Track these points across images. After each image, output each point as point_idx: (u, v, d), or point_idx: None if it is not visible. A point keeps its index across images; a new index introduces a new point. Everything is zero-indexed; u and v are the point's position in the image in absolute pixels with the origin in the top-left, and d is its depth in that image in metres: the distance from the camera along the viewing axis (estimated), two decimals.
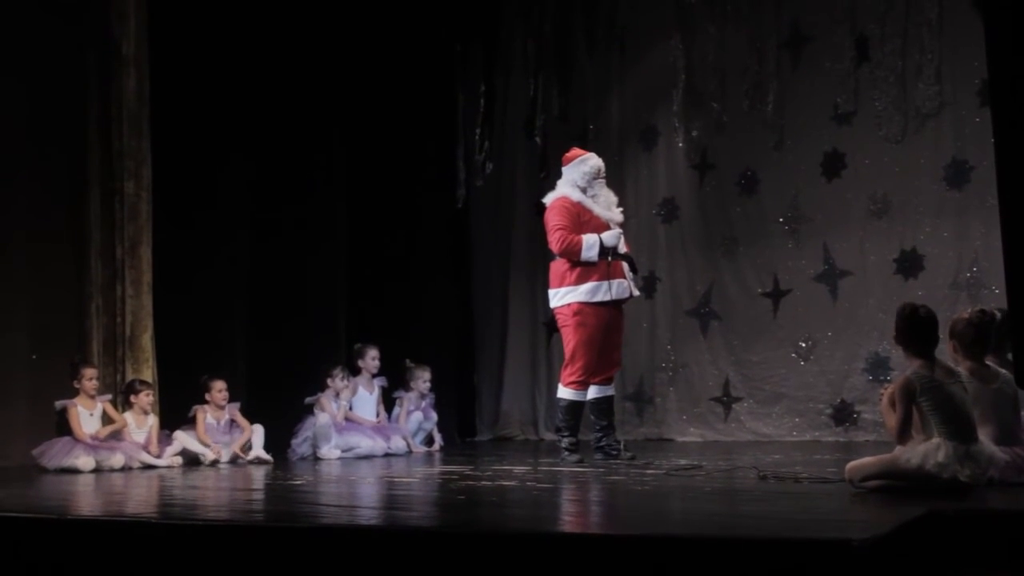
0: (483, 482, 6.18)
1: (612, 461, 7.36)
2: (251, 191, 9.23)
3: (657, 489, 5.63)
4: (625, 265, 7.58)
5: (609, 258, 7.43)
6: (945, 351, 5.49)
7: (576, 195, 7.58)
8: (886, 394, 5.19)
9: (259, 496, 6.01)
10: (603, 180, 7.72)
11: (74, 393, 7.80)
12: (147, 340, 8.37)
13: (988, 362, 5.34)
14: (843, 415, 9.47)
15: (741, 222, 10.12)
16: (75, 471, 7.34)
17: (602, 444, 7.59)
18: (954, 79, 9.23)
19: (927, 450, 4.87)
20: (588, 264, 7.43)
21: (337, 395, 8.79)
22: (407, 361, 9.37)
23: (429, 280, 10.45)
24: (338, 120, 9.91)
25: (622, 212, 7.78)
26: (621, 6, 10.69)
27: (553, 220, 7.51)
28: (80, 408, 7.76)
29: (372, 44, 10.08)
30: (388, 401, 9.31)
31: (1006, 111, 3.69)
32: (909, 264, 9.39)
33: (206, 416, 8.26)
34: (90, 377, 7.86)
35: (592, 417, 7.64)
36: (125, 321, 8.32)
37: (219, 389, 8.37)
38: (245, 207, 9.19)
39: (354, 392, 8.99)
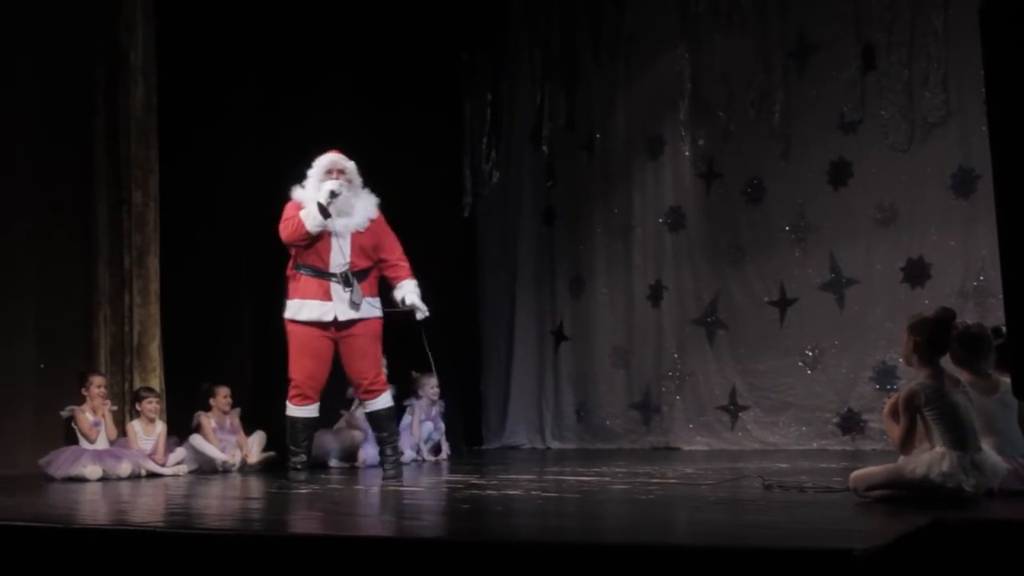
0: (489, 491, 6.19)
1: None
2: (258, 200, 9.24)
3: (662, 498, 5.63)
4: (335, 285, 7.27)
5: (330, 204, 7.11)
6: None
7: (300, 195, 7.32)
8: (888, 404, 5.18)
9: (264, 505, 6.02)
10: (336, 180, 7.30)
11: (81, 402, 7.84)
12: (155, 349, 8.40)
13: (990, 372, 5.34)
14: (850, 424, 9.46)
15: (747, 231, 10.12)
16: (82, 480, 7.37)
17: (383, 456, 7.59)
18: (960, 88, 9.22)
19: (932, 459, 4.86)
20: (305, 276, 7.25)
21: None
22: (412, 373, 9.38)
23: (435, 289, 10.43)
24: (345, 129, 9.92)
25: (362, 220, 7.40)
26: (627, 15, 10.71)
27: (283, 216, 7.31)
28: (87, 414, 7.80)
29: (379, 53, 10.10)
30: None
31: (1003, 121, 3.70)
32: (916, 273, 9.38)
33: (210, 421, 8.30)
34: (98, 385, 7.89)
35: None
36: (133, 330, 8.36)
37: (224, 395, 8.42)
38: (252, 216, 9.20)
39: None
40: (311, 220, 7.15)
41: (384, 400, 7.46)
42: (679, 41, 10.42)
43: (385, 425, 7.53)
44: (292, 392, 7.36)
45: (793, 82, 9.95)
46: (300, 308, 7.28)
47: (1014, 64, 3.65)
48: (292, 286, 7.34)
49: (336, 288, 7.27)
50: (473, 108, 11.24)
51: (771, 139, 9.96)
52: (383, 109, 10.12)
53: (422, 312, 7.57)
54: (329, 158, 7.40)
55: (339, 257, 7.29)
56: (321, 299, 7.25)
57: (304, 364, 7.32)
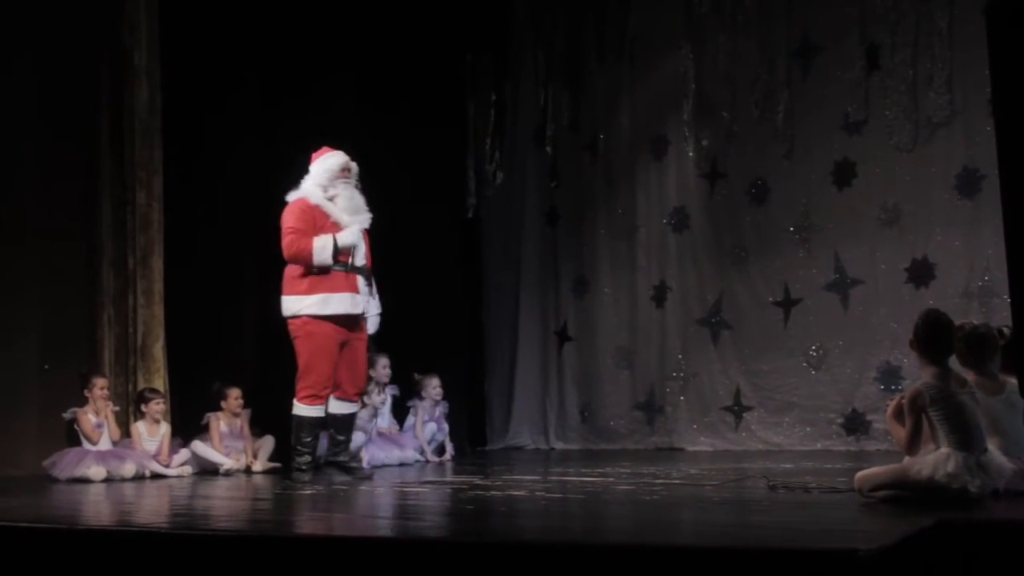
0: (493, 492, 6.18)
1: (357, 476, 7.35)
2: (262, 201, 9.23)
3: (666, 499, 5.63)
4: (360, 279, 7.33)
5: (350, 260, 7.19)
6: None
7: (316, 196, 7.29)
8: (892, 405, 5.17)
9: (269, 506, 6.02)
10: (348, 180, 7.40)
11: (84, 403, 7.83)
12: (158, 350, 8.40)
13: (996, 372, 5.32)
14: (854, 424, 9.44)
15: (751, 231, 10.11)
16: (86, 481, 7.37)
17: (340, 460, 7.51)
18: (965, 88, 9.21)
19: (937, 461, 4.85)
20: (322, 272, 7.18)
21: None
22: (414, 375, 9.37)
23: (439, 289, 10.46)
24: (349, 129, 9.92)
25: (369, 217, 7.47)
26: (631, 16, 10.70)
27: (285, 222, 7.22)
28: (90, 415, 7.80)
29: (382, 54, 10.10)
30: (399, 411, 9.32)
31: (1010, 122, 3.70)
32: (920, 273, 9.36)
33: (220, 424, 8.30)
34: (101, 387, 7.89)
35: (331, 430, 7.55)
36: (137, 331, 8.36)
37: (235, 397, 8.42)
38: (256, 217, 9.20)
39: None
40: (320, 258, 7.15)
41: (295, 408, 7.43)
42: (683, 42, 10.40)
43: (351, 427, 7.62)
44: (305, 392, 7.30)
45: (797, 82, 9.93)
46: (326, 302, 7.20)
47: (1019, 64, 3.65)
48: (310, 282, 7.22)
49: (361, 282, 7.33)
50: (477, 109, 11.23)
51: (775, 139, 9.94)
52: (387, 110, 10.12)
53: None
54: (342, 159, 7.44)
55: (360, 252, 7.34)
56: (351, 292, 7.26)
57: (322, 365, 7.27)
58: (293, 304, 7.24)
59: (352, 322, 7.34)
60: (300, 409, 7.32)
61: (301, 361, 7.28)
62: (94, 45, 8.47)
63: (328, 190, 7.35)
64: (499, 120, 11.19)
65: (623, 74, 10.79)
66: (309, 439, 7.35)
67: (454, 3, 10.49)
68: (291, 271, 7.28)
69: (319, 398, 7.30)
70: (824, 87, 9.81)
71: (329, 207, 7.31)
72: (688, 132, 10.38)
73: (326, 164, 7.41)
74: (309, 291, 7.19)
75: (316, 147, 7.75)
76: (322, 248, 7.13)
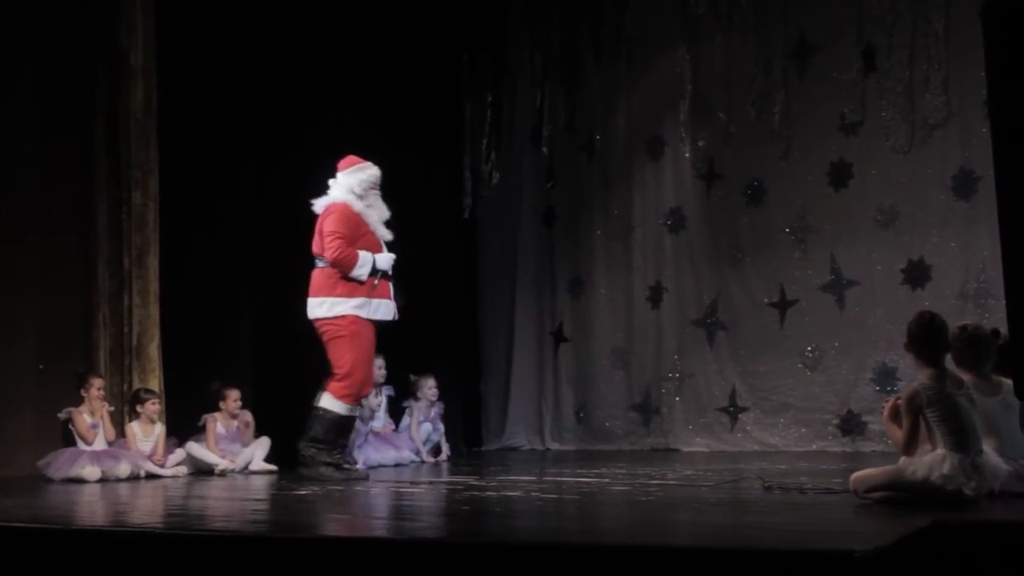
0: (488, 492, 6.18)
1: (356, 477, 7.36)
2: (259, 201, 9.24)
3: (662, 500, 5.63)
4: (391, 287, 7.50)
5: (376, 281, 7.34)
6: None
7: (357, 205, 7.47)
8: (888, 406, 5.18)
9: (264, 506, 6.01)
10: (378, 192, 7.61)
11: (79, 403, 7.82)
12: (154, 350, 8.38)
13: (991, 373, 5.32)
14: (850, 425, 9.45)
15: (748, 232, 10.11)
16: (81, 481, 7.35)
17: (336, 460, 7.47)
18: (961, 90, 9.21)
19: (932, 462, 4.85)
20: (355, 279, 7.33)
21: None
22: (410, 376, 9.37)
23: (435, 290, 10.44)
24: (346, 129, 9.91)
25: (389, 231, 7.66)
26: (628, 16, 10.70)
27: (331, 226, 7.35)
28: (85, 415, 7.78)
29: (379, 53, 10.09)
30: (394, 411, 9.31)
31: (1005, 123, 3.71)
32: (916, 274, 9.37)
33: (216, 425, 8.27)
34: (98, 387, 7.88)
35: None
36: (132, 331, 8.34)
37: (234, 399, 8.39)
38: (253, 217, 9.20)
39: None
40: (359, 272, 7.31)
41: (330, 404, 7.43)
42: (679, 42, 10.41)
43: (351, 430, 7.68)
44: (346, 391, 7.37)
45: (794, 83, 9.94)
46: (369, 305, 7.36)
47: (1016, 66, 3.65)
48: (350, 284, 7.34)
49: (392, 288, 7.49)
50: (473, 109, 11.23)
51: (771, 140, 9.94)
52: (383, 109, 10.10)
53: None
54: (377, 171, 7.65)
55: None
56: (388, 299, 7.46)
57: (365, 365, 7.42)
58: (337, 305, 7.32)
59: (375, 327, 7.48)
60: (340, 407, 7.38)
61: (344, 360, 7.34)
62: (91, 45, 8.46)
63: (363, 199, 7.53)
64: (495, 120, 11.19)
65: (619, 75, 10.79)
66: (343, 440, 7.49)
67: (451, 3, 10.48)
68: (328, 273, 7.37)
69: (357, 397, 7.43)
70: (820, 88, 9.82)
71: (368, 216, 7.52)
72: (684, 133, 10.39)
73: (363, 175, 7.60)
74: (351, 293, 7.34)
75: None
76: (364, 263, 7.33)
